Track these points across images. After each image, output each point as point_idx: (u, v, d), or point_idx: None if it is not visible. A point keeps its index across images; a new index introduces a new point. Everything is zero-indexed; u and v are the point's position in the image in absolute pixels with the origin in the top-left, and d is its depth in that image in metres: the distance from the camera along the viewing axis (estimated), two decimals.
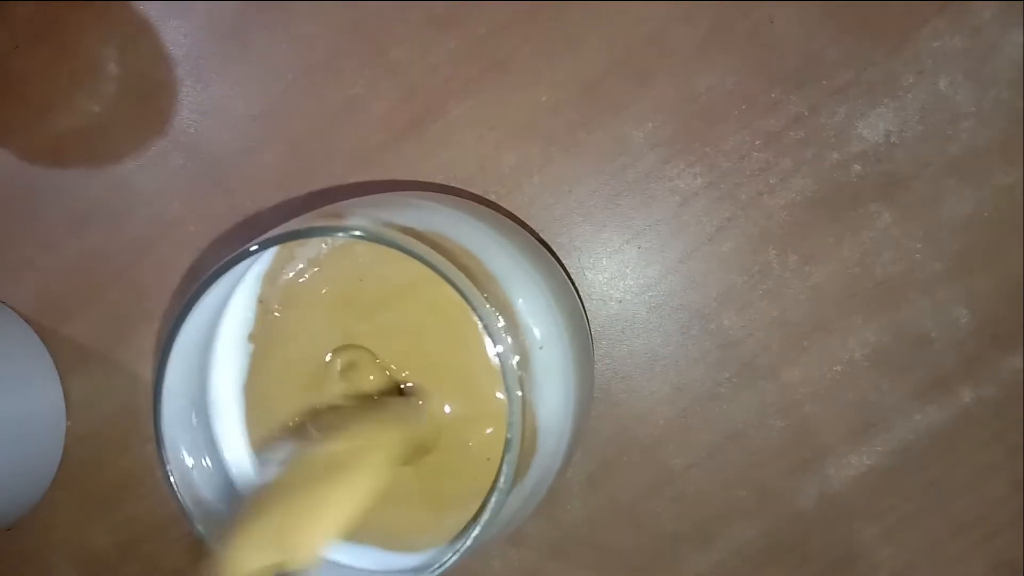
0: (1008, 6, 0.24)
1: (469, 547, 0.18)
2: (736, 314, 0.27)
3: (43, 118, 0.31)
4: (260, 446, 0.22)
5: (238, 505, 0.20)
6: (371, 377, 0.21)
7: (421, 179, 0.28)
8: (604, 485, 0.28)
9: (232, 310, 0.22)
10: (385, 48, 0.28)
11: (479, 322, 0.17)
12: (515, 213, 0.28)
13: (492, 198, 0.28)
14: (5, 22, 0.31)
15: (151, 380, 0.31)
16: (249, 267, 0.21)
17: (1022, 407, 0.25)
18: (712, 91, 0.26)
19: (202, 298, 0.19)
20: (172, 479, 0.19)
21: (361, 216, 0.19)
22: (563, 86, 0.27)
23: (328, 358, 0.21)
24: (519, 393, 0.17)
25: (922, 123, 0.25)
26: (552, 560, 0.29)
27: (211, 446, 0.21)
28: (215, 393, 0.22)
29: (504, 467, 0.17)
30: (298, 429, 0.21)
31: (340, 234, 0.18)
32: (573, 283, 0.27)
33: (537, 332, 0.19)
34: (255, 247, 0.18)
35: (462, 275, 0.17)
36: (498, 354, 0.17)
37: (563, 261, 0.28)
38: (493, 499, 0.17)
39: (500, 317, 0.17)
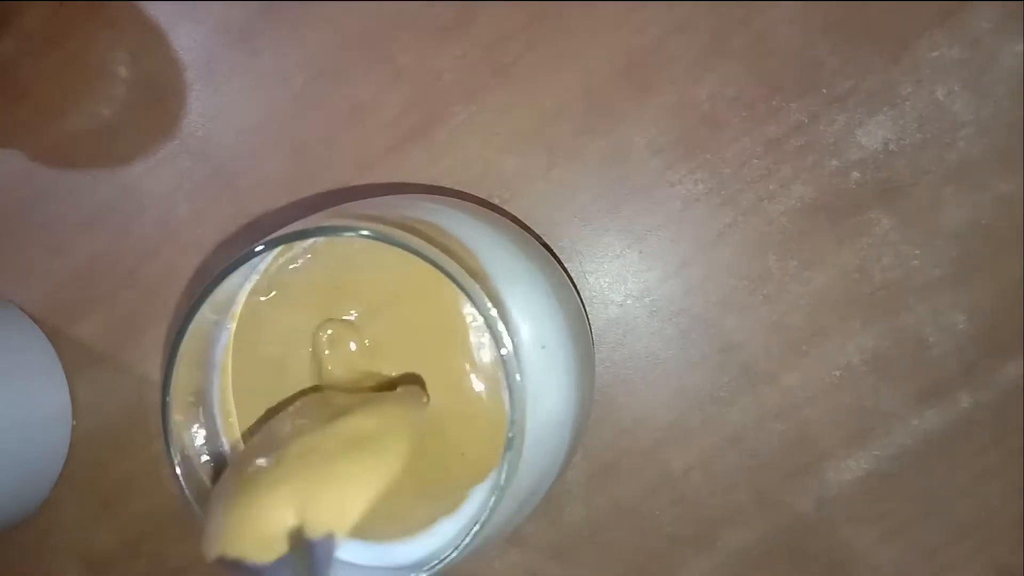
0: (1006, 18, 0.25)
1: (468, 544, 0.18)
2: (736, 318, 0.27)
3: (54, 121, 0.32)
4: (242, 421, 0.22)
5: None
6: (352, 347, 0.21)
7: (425, 183, 0.29)
8: (604, 487, 0.28)
9: (237, 307, 0.22)
10: (391, 55, 0.29)
11: (481, 319, 0.17)
12: (518, 217, 0.28)
13: (496, 202, 0.28)
14: (17, 27, 0.32)
15: (157, 380, 0.32)
16: (255, 267, 0.22)
17: (1020, 413, 0.26)
18: (713, 99, 0.27)
19: (209, 298, 0.19)
20: (179, 476, 0.20)
21: (365, 216, 0.19)
22: (566, 93, 0.28)
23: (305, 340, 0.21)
24: (521, 392, 0.17)
25: (920, 131, 0.26)
26: (552, 561, 0.29)
27: (216, 443, 0.22)
28: (219, 390, 0.22)
29: (505, 465, 0.18)
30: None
31: (347, 233, 0.18)
32: (575, 286, 0.28)
33: (539, 332, 0.19)
34: (260, 247, 0.19)
35: (464, 272, 0.17)
36: (501, 353, 0.17)
37: (565, 265, 0.28)
38: (493, 498, 0.18)
39: (501, 316, 0.18)
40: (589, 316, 0.28)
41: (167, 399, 0.19)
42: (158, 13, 0.30)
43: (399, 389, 0.20)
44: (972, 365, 0.26)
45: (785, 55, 0.26)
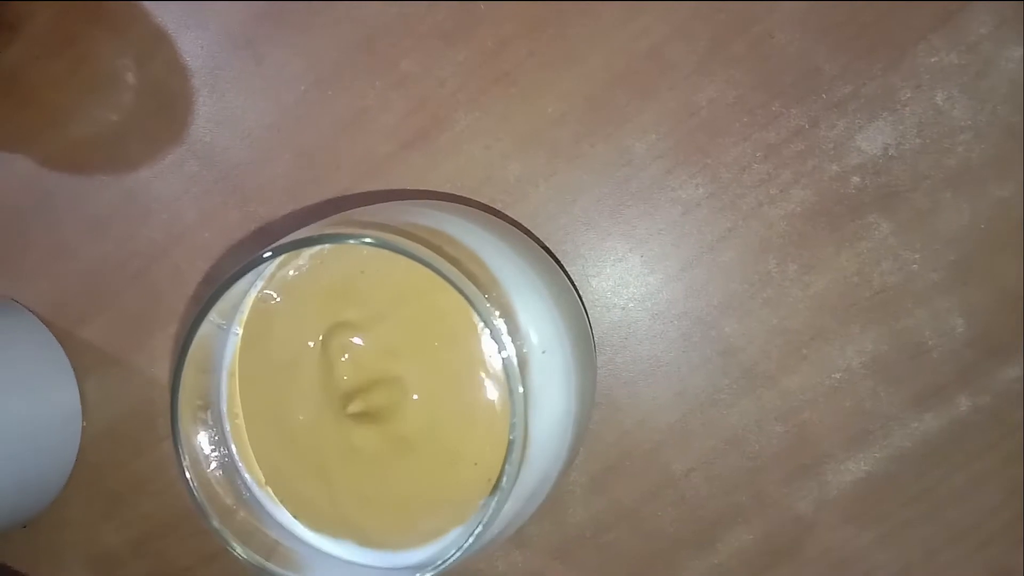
0: (1004, 23, 0.25)
1: (470, 545, 0.18)
2: (737, 322, 0.27)
3: (62, 126, 0.32)
4: (249, 425, 0.22)
5: None
6: (362, 352, 0.21)
7: (429, 188, 0.29)
8: (606, 489, 0.28)
9: (244, 313, 0.22)
10: (394, 61, 0.29)
11: (482, 325, 0.18)
12: (520, 222, 0.28)
13: (498, 207, 0.29)
14: (25, 33, 0.32)
15: (165, 382, 0.32)
16: (260, 273, 0.22)
17: (1018, 415, 0.26)
18: (713, 104, 0.27)
19: (217, 302, 0.19)
20: (187, 475, 0.20)
21: (373, 223, 0.19)
22: (568, 98, 0.28)
23: (312, 344, 0.22)
24: (522, 396, 0.18)
25: (919, 136, 0.26)
26: (555, 562, 0.29)
27: (223, 443, 0.22)
28: (227, 395, 0.22)
29: (507, 468, 0.18)
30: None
31: (355, 241, 0.18)
32: (577, 290, 0.28)
33: (539, 337, 0.19)
34: (268, 253, 0.19)
35: (466, 279, 0.17)
36: (502, 358, 0.18)
37: (567, 269, 0.28)
38: (495, 500, 0.18)
39: (503, 321, 0.18)
40: (591, 319, 0.28)
41: (176, 405, 0.20)
42: (164, 20, 0.31)
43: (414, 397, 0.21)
44: (970, 368, 0.26)
45: (784, 60, 0.26)
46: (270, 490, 0.22)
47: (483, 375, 0.20)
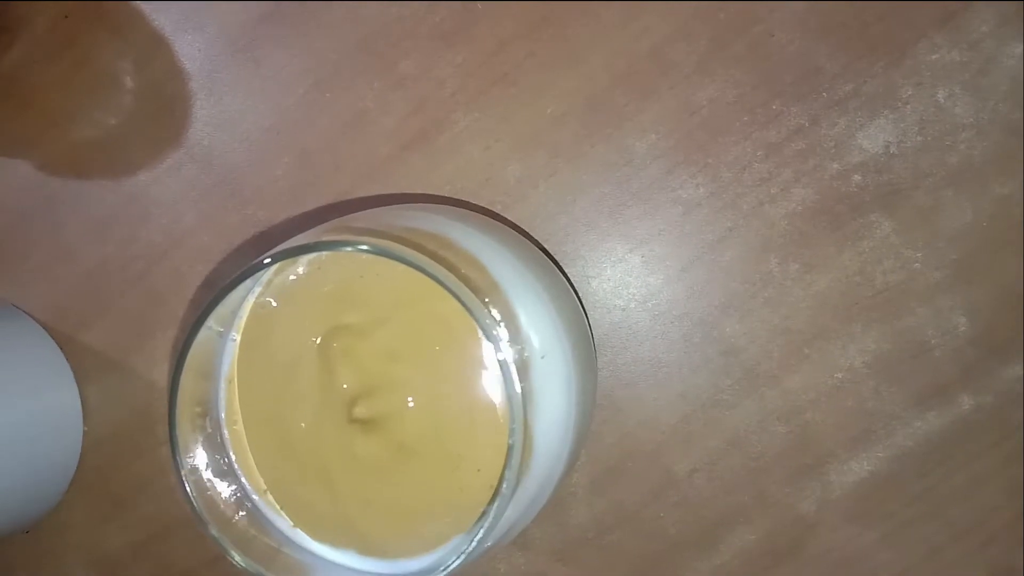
0: (1005, 20, 0.25)
1: (472, 550, 0.18)
2: (738, 322, 0.27)
3: (61, 130, 0.32)
4: (248, 431, 0.22)
5: None
6: (362, 357, 0.21)
7: (428, 190, 0.29)
8: (608, 490, 0.28)
9: (242, 319, 0.22)
10: (393, 63, 0.29)
11: (480, 331, 0.17)
12: (520, 224, 0.28)
13: (498, 209, 0.28)
14: (25, 36, 0.32)
15: (166, 386, 0.32)
16: (258, 279, 0.22)
17: (1020, 414, 0.26)
18: (713, 103, 0.27)
19: (215, 310, 0.19)
20: (185, 483, 0.20)
21: (372, 229, 0.19)
22: (567, 99, 0.28)
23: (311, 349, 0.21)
24: (521, 400, 0.18)
25: (921, 134, 0.26)
26: (557, 564, 0.29)
27: (222, 450, 0.22)
28: (225, 400, 0.22)
29: (506, 473, 0.18)
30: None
31: (348, 249, 0.18)
32: (577, 292, 0.28)
33: (539, 341, 0.19)
34: (268, 260, 0.19)
35: (463, 285, 0.17)
36: (500, 363, 0.18)
37: (567, 270, 0.28)
38: (495, 505, 0.18)
39: (502, 326, 0.18)
40: (592, 321, 0.28)
41: (174, 411, 0.20)
42: (163, 23, 0.31)
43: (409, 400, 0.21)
44: (973, 367, 0.26)
45: (785, 59, 0.26)
46: (270, 497, 0.22)
47: (484, 379, 0.20)
